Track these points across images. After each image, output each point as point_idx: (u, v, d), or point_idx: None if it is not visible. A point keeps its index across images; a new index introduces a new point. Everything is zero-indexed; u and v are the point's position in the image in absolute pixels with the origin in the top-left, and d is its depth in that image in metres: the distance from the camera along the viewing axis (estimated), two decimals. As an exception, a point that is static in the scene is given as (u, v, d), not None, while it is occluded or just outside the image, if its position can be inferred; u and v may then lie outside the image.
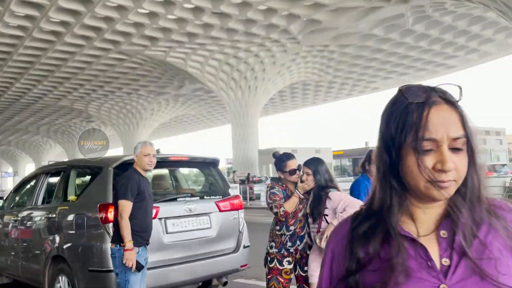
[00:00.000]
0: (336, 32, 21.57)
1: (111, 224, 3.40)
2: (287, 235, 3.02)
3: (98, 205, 3.59)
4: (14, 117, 35.81)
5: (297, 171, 3.06)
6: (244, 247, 4.08)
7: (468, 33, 23.00)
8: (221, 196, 4.18)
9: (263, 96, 26.70)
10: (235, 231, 4.06)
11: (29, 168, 65.81)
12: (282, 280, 3.01)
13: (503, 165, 20.05)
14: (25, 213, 4.90)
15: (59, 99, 29.79)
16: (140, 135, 34.05)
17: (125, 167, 3.67)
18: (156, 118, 34.27)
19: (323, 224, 2.87)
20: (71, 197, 4.26)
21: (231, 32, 20.42)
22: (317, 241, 2.82)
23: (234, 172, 20.79)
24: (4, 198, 5.89)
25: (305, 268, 3.00)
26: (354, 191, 3.26)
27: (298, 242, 3.01)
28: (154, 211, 3.46)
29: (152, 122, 34.31)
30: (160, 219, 3.67)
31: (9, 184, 64.05)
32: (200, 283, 4.22)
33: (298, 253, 3.03)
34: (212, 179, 4.54)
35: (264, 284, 4.85)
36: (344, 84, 32.26)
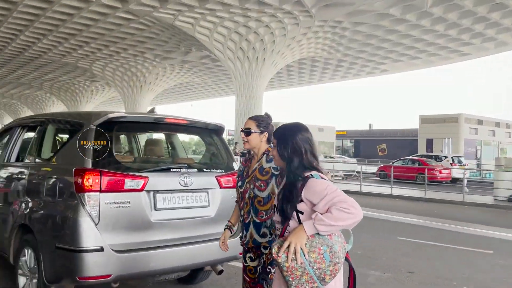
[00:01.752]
0: (351, 8, 20.86)
1: (87, 194, 2.94)
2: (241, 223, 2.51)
3: (74, 169, 3.04)
4: (18, 71, 35.24)
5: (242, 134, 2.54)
6: None
7: (487, 20, 22.23)
8: (223, 170, 3.63)
9: (271, 69, 26.15)
10: None
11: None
12: (248, 279, 2.50)
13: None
14: None
15: (63, 55, 29.19)
16: (143, 99, 33.63)
17: (110, 125, 3.17)
18: (160, 83, 33.71)
19: (292, 224, 1.91)
20: (45, 156, 3.74)
21: (243, -1, 19.75)
22: (274, 250, 1.83)
23: (236, 143, 20.47)
24: None
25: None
26: None
27: (244, 232, 2.48)
28: (142, 182, 3.06)
29: (156, 87, 33.78)
30: (148, 192, 3.11)
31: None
32: (189, 271, 3.71)
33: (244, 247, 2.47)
34: (214, 149, 3.93)
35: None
36: (353, 63, 31.55)
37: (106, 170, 3.01)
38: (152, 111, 3.78)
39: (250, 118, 2.65)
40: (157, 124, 3.59)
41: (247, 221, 2.47)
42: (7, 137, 4.60)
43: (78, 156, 3.07)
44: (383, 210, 10.78)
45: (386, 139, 32.32)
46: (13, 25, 23.07)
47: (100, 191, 2.95)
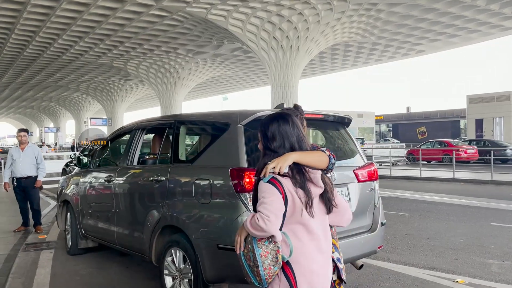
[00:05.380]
0: (388, -11, 20.25)
1: (248, 194, 2.90)
2: None
3: (230, 170, 3.02)
4: (56, 74, 36.17)
5: None
6: (382, 224, 3.54)
7: (533, -9, 21.16)
8: (356, 163, 3.56)
9: (305, 56, 25.81)
10: (371, 206, 3.49)
11: (69, 124, 67.17)
12: None
13: None
14: (121, 173, 4.40)
15: (99, 56, 29.71)
16: (177, 95, 33.92)
17: (256, 124, 3.16)
18: (193, 78, 33.88)
19: None
20: (183, 157, 3.73)
21: (276, -12, 19.47)
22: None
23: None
24: (91, 154, 5.47)
25: None
26: None
27: None
28: None
29: (189, 82, 33.97)
30: None
31: (51, 139, 65.96)
32: None
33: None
34: (341, 142, 3.82)
35: (397, 269, 4.42)
36: (388, 46, 30.74)
37: None
38: (280, 107, 3.69)
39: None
40: None
41: None
42: (127, 139, 4.63)
43: (231, 156, 3.03)
44: (456, 195, 10.54)
45: (426, 121, 31.43)
46: (51, 29, 23.60)
47: None
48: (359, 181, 3.40)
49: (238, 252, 1.91)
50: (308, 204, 1.88)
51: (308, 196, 1.88)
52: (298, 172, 1.89)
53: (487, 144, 21.86)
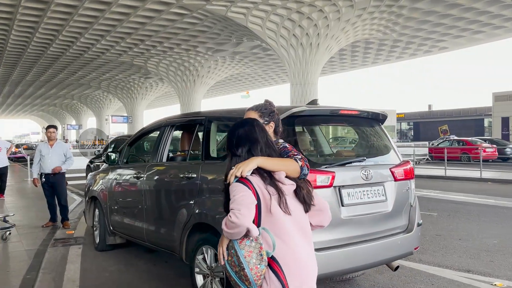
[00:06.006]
0: (411, -16, 19.88)
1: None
2: None
3: None
4: (78, 72, 36.76)
5: None
6: (418, 225, 3.44)
7: (562, -15, 20.47)
8: (391, 161, 3.46)
9: (325, 54, 25.59)
10: (407, 205, 3.39)
11: (90, 121, 68.39)
12: None
13: None
14: (151, 170, 4.37)
15: (120, 54, 30.06)
16: (197, 92, 34.07)
17: (291, 120, 3.01)
18: (212, 76, 33.97)
19: None
20: (214, 154, 3.68)
21: (297, -15, 19.32)
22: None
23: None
24: (119, 150, 5.39)
25: None
26: None
27: None
28: (330, 177, 2.95)
29: (208, 79, 34.08)
30: (334, 187, 2.97)
31: (73, 136, 67.21)
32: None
33: None
34: (375, 139, 3.71)
35: (430, 270, 4.30)
36: (410, 43, 30.23)
37: None
38: (314, 102, 3.62)
39: (250, 109, 2.40)
40: (331, 117, 3.46)
41: None
42: (156, 136, 4.63)
43: None
44: (484, 195, 10.26)
45: (448, 119, 30.80)
46: (74, 28, 23.98)
47: None
48: (395, 179, 3.31)
49: (222, 263, 1.88)
50: (282, 201, 1.88)
51: (279, 193, 1.89)
52: (266, 172, 1.92)
53: (488, 143, 21.84)
